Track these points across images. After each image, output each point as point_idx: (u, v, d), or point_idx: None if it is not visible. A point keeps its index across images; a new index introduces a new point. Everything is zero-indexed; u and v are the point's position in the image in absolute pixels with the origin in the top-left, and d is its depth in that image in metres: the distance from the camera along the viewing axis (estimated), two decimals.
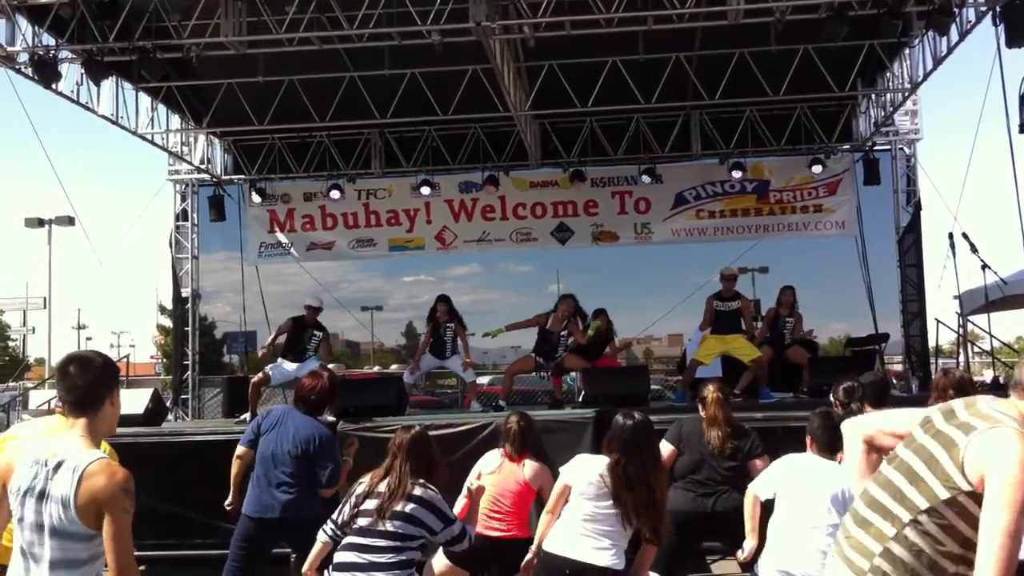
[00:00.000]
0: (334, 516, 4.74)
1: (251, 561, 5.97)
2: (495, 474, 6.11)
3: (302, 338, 11.02)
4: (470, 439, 8.43)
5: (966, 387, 5.65)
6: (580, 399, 10.51)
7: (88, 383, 3.16)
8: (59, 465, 3.04)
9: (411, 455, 4.68)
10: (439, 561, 5.80)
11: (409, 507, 4.50)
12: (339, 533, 4.67)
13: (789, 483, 5.03)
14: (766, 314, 11.89)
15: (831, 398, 6.49)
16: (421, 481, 4.61)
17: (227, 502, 6.38)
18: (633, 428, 4.72)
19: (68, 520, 3.00)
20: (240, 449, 6.22)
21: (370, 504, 4.52)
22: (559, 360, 11.04)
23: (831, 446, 5.08)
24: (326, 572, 4.69)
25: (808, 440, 5.28)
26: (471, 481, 6.06)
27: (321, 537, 4.72)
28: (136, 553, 3.04)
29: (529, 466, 6.17)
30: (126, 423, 9.78)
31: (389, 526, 4.45)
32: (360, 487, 4.66)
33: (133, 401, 10.27)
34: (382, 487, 4.57)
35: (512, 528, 5.93)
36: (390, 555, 4.42)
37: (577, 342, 10.98)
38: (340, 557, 4.52)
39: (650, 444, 4.79)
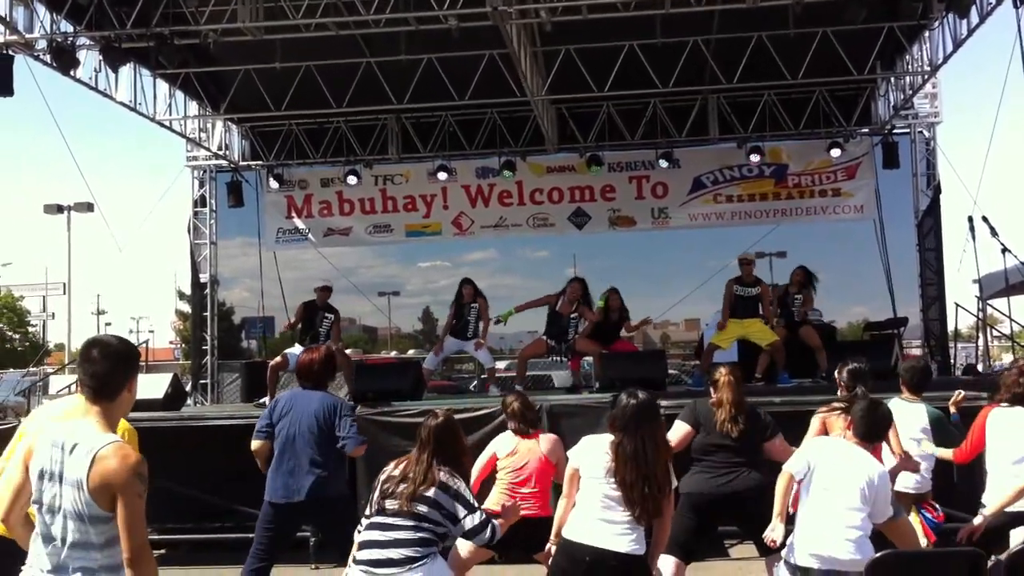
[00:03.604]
0: (366, 512, 4.70)
1: (276, 544, 6.00)
2: (513, 455, 6.16)
3: (314, 322, 11.19)
4: (487, 423, 8.46)
5: None
6: (596, 384, 10.50)
7: (108, 371, 3.17)
8: (74, 448, 3.06)
9: (438, 443, 4.70)
10: (463, 544, 5.79)
11: (433, 492, 4.52)
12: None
13: (824, 466, 4.78)
14: (774, 291, 11.75)
15: (836, 377, 6.35)
16: (448, 469, 4.63)
17: None
18: (636, 407, 4.67)
19: (83, 503, 3.01)
20: (255, 444, 6.14)
21: (397, 489, 4.54)
22: (571, 343, 11.05)
23: (868, 436, 4.86)
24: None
25: (847, 422, 4.99)
26: (482, 462, 6.16)
27: (357, 538, 4.69)
28: (157, 537, 3.07)
29: (545, 439, 6.26)
30: (146, 408, 9.86)
31: (415, 508, 4.48)
32: (386, 473, 4.67)
33: (153, 386, 10.35)
34: (409, 473, 4.59)
35: (535, 507, 5.95)
36: (411, 532, 4.44)
37: (590, 324, 11.00)
38: (364, 536, 4.54)
39: (650, 424, 4.68)
